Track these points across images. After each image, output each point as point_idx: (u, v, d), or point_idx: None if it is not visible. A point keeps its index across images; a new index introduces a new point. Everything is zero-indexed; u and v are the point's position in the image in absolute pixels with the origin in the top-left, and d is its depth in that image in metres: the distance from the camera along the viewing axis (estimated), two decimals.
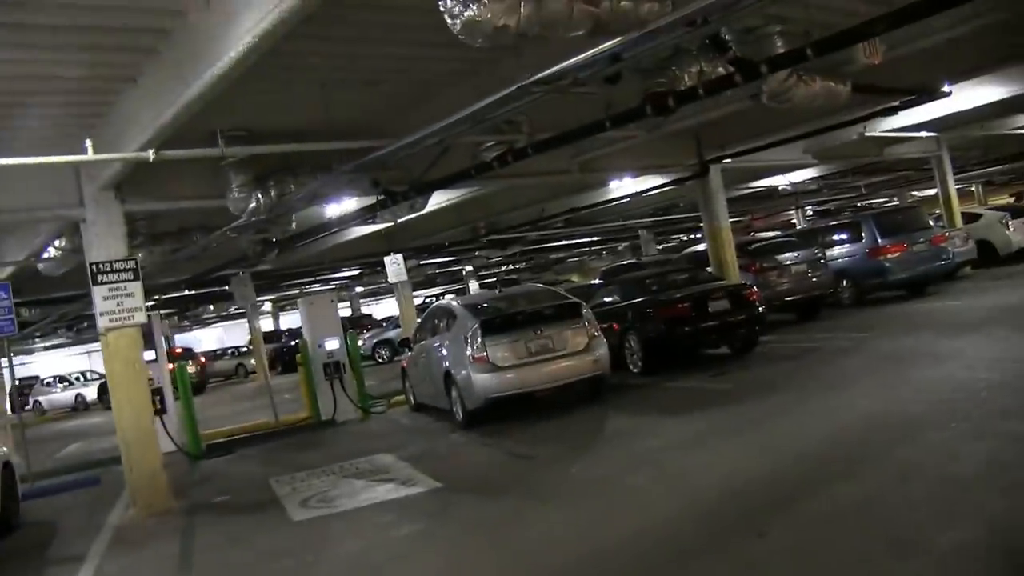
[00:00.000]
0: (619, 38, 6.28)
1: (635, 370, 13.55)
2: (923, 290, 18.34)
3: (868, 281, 17.97)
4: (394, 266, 17.61)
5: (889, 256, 17.69)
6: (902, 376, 9.52)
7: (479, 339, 11.13)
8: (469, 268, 37.05)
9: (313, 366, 14.99)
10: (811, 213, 38.95)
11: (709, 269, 16.56)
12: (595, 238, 33.65)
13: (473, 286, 38.31)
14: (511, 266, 45.06)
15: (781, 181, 25.09)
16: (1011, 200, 30.14)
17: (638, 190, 18.25)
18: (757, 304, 13.62)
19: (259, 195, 10.25)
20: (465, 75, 8.86)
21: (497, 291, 14.41)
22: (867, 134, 15.86)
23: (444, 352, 12.01)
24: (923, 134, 17.02)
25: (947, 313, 14.54)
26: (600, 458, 8.45)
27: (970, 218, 22.76)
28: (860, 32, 6.33)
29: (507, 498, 7.60)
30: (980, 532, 4.73)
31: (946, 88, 12.37)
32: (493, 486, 8.17)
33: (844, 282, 18.32)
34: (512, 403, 11.21)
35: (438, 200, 16.64)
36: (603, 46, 6.45)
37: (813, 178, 25.57)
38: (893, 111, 12.90)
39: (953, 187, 22.56)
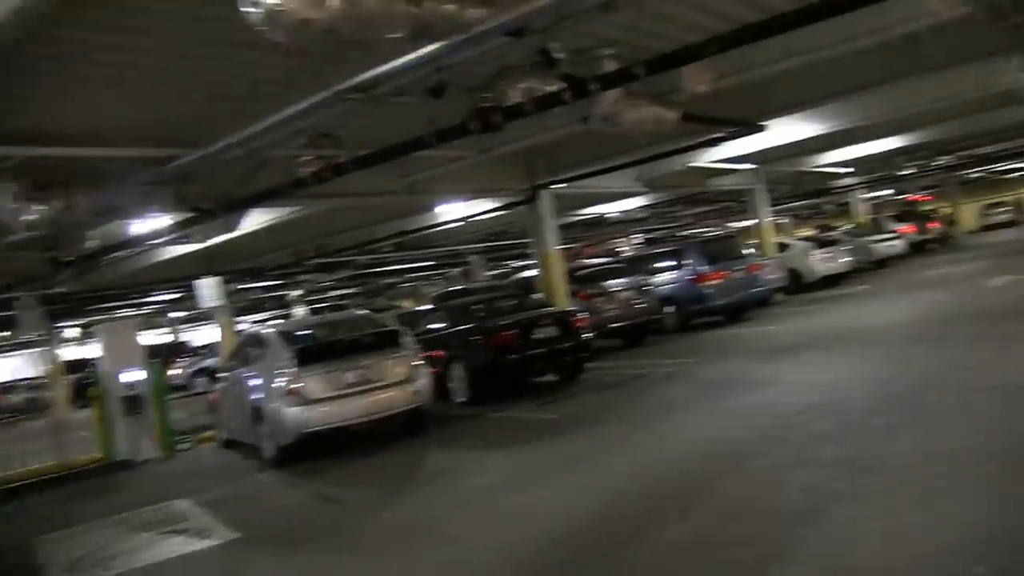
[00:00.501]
0: (439, 43, 5.87)
1: (461, 400, 13.11)
2: (740, 316, 19.02)
3: (691, 307, 18.41)
4: (207, 290, 16.51)
5: (711, 283, 18.19)
6: (725, 403, 9.56)
7: (292, 370, 10.42)
8: (297, 293, 35.79)
9: (111, 400, 13.69)
10: (639, 240, 40.12)
11: (538, 295, 16.45)
12: (427, 263, 33.19)
13: (300, 312, 37.06)
14: (342, 291, 43.99)
15: (611, 209, 25.53)
16: (815, 232, 31.92)
17: (468, 214, 17.96)
18: (584, 331, 13.52)
19: (39, 206, 9.05)
20: (291, 84, 8.19)
21: (316, 317, 13.71)
22: (692, 164, 16.18)
23: (254, 384, 11.19)
24: (743, 166, 17.61)
25: (763, 338, 14.96)
26: (418, 501, 7.89)
27: (781, 247, 23.88)
28: (691, 52, 6.22)
29: (311, 550, 6.90)
30: (808, 571, 4.56)
31: (762, 123, 12.69)
32: (297, 535, 7.41)
33: (668, 308, 18.69)
34: (328, 438, 10.53)
35: (258, 220, 15.83)
36: (422, 51, 6.03)
37: (642, 207, 26.13)
38: (717, 142, 13.15)
39: (768, 217, 23.54)
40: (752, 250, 23.15)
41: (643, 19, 7.93)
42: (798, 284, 22.96)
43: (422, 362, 11.24)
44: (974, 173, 38.21)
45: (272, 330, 12.12)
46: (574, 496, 6.98)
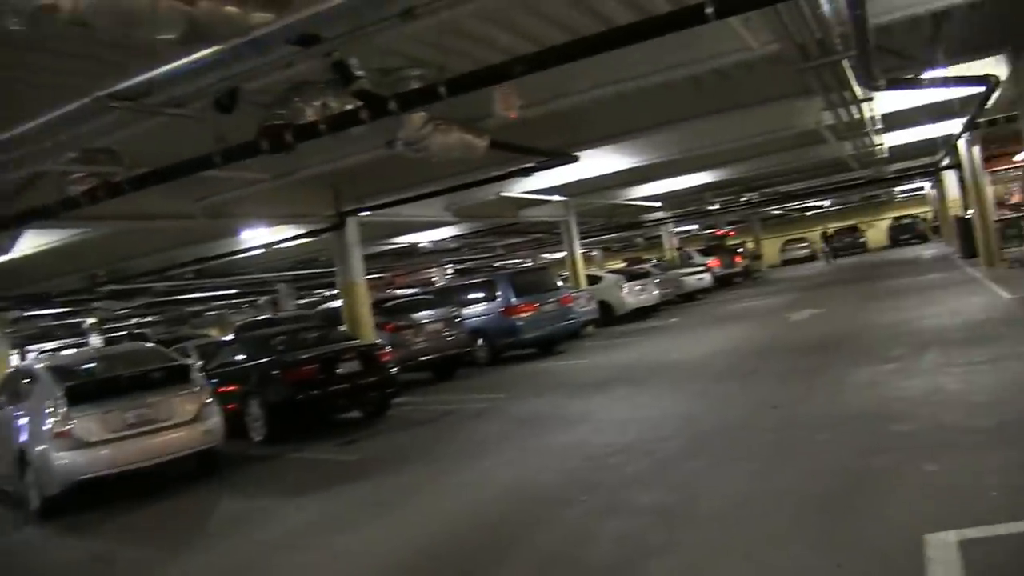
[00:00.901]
0: (217, 47, 5.14)
1: (258, 438, 12.13)
2: (552, 348, 18.89)
3: (502, 340, 18.09)
4: None
5: (522, 315, 17.94)
6: (536, 441, 9.16)
7: (63, 409, 9.21)
8: (91, 320, 33.16)
9: None
10: (451, 271, 39.86)
11: (343, 327, 15.63)
12: (233, 291, 31.52)
13: (95, 341, 34.41)
14: (143, 319, 41.26)
15: (422, 238, 25.04)
16: (625, 265, 32.73)
17: (271, 241, 16.96)
18: (389, 366, 12.86)
19: None
20: (58, 89, 7.12)
21: (95, 350, 12.37)
22: (504, 194, 15.90)
23: (20, 424, 9.79)
24: (555, 198, 17.55)
25: (574, 372, 14.80)
26: (198, 559, 6.96)
27: (592, 280, 24.12)
28: (496, 72, 5.77)
29: None
30: None
31: (574, 153, 12.55)
32: None
33: (480, 341, 18.32)
34: (108, 485, 9.37)
35: (36, 242, 14.23)
36: (197, 55, 5.26)
37: (454, 236, 25.82)
38: (528, 172, 12.88)
39: (579, 250, 23.72)
40: (563, 282, 23.31)
41: (450, 38, 7.46)
42: (609, 316, 23.23)
43: (212, 399, 10.25)
44: (776, 210, 40.50)
45: (42, 364, 10.75)
46: (374, 552, 6.27)
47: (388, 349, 13.14)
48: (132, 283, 22.42)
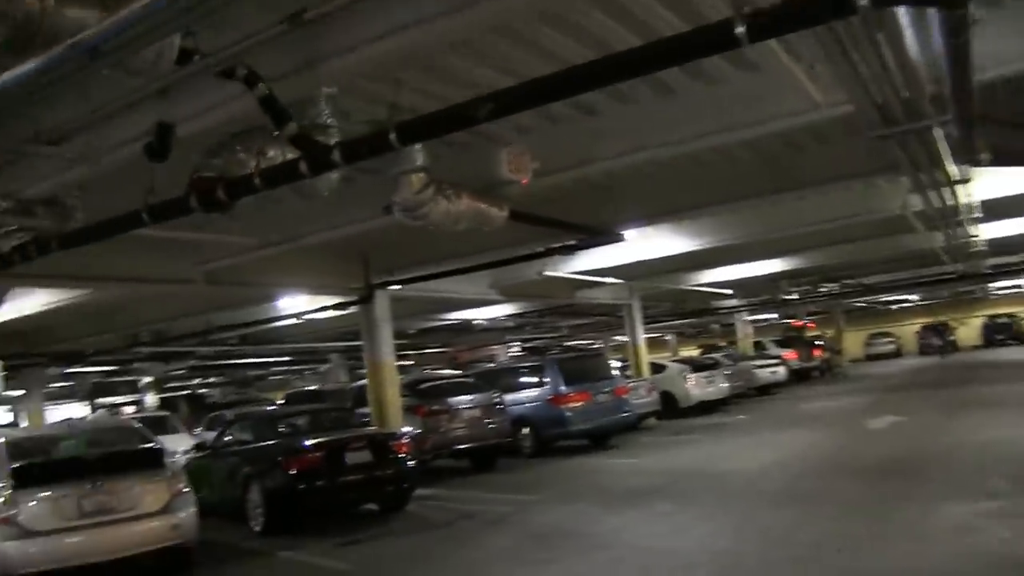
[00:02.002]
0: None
1: (257, 528, 10.87)
2: (606, 442, 17.31)
3: (549, 430, 16.59)
4: None
5: (571, 405, 16.45)
6: (542, 572, 7.62)
7: (8, 492, 8.09)
8: (147, 379, 32.75)
9: None
10: (516, 349, 38.51)
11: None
12: (286, 358, 30.66)
13: (151, 400, 34.01)
14: (203, 379, 40.92)
15: (476, 315, 23.83)
16: (700, 352, 30.88)
17: (300, 311, 15.94)
18: (406, 458, 11.50)
19: None
20: None
21: (56, 426, 11.33)
22: (548, 274, 14.57)
23: None
24: (610, 280, 16.13)
25: (619, 475, 13.22)
26: None
27: (656, 369, 22.48)
28: (460, 113, 4.48)
29: None
30: None
31: (618, 231, 11.19)
32: None
33: (525, 429, 16.85)
34: None
35: (48, 300, 13.46)
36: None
37: (510, 315, 24.52)
38: (571, 250, 11.53)
39: (642, 336, 22.16)
40: (619, 369, 21.77)
41: (417, 74, 6.25)
42: (673, 408, 21.51)
43: (187, 489, 8.99)
44: (860, 302, 38.07)
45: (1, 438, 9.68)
46: None
47: (405, 440, 11.74)
48: (174, 345, 21.63)
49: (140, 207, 6.11)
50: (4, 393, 13.74)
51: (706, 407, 22.02)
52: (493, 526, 10.17)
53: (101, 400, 42.37)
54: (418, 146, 7.12)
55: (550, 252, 11.61)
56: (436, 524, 10.66)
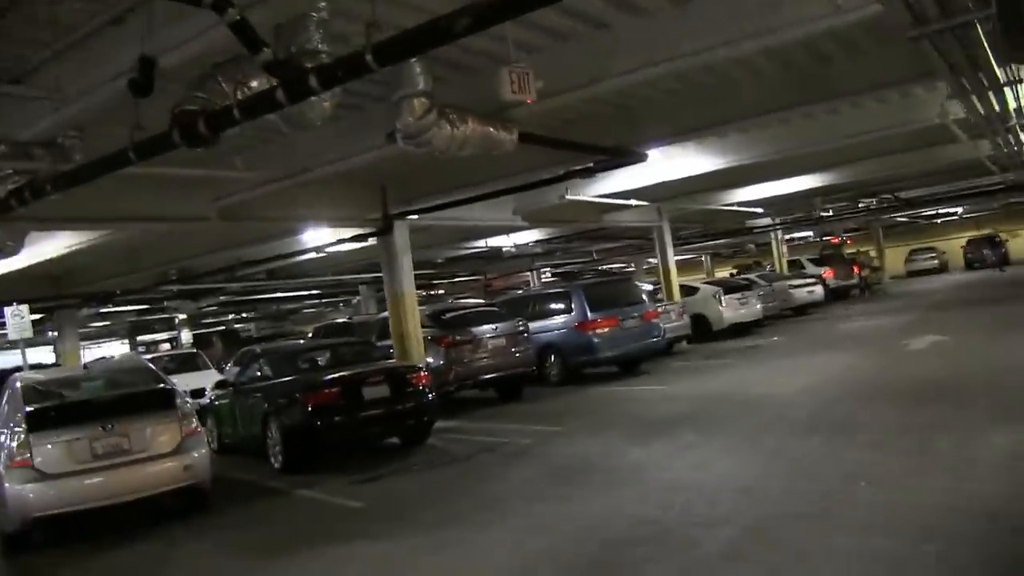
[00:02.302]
0: None
1: (276, 466, 10.79)
2: (636, 368, 17.02)
3: (576, 358, 16.31)
4: (17, 319, 13.82)
5: (598, 332, 16.12)
6: (557, 509, 7.34)
7: (22, 436, 8.00)
8: (182, 316, 32.86)
9: None
10: (548, 275, 38.15)
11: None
12: (315, 291, 30.52)
13: (186, 337, 34.24)
14: (237, 315, 41.14)
15: (504, 243, 23.41)
16: (733, 273, 30.29)
17: (320, 244, 15.66)
18: (425, 391, 11.24)
19: None
20: None
21: (69, 369, 11.20)
22: (571, 198, 14.07)
23: None
24: (634, 202, 15.57)
25: (647, 403, 12.89)
26: None
27: (688, 291, 22.01)
28: (436, 29, 4.00)
29: None
30: None
31: (643, 151, 10.66)
32: None
33: (552, 357, 16.59)
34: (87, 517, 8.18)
35: (68, 243, 13.26)
36: None
37: (537, 241, 24.07)
38: (590, 173, 11.00)
39: (672, 259, 21.63)
40: (651, 293, 21.37)
41: None
42: (705, 331, 21.12)
43: (199, 429, 8.87)
44: (900, 217, 37.00)
45: (19, 381, 9.55)
46: None
47: (424, 373, 11.46)
48: (203, 282, 21.50)
49: (127, 146, 5.73)
50: (20, 337, 13.51)
51: (740, 330, 21.63)
52: (514, 459, 9.94)
53: (141, 338, 42.99)
54: (418, 69, 6.72)
55: (569, 175, 11.10)
56: (456, 458, 10.47)
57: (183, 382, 14.13)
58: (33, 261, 14.13)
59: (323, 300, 37.50)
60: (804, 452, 8.14)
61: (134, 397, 8.86)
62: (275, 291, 28.03)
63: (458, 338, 14.51)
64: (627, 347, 16.50)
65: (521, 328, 15.42)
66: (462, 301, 23.74)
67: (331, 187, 12.60)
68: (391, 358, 12.33)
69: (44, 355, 27.85)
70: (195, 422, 8.84)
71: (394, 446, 11.51)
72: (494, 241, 22.96)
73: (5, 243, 11.03)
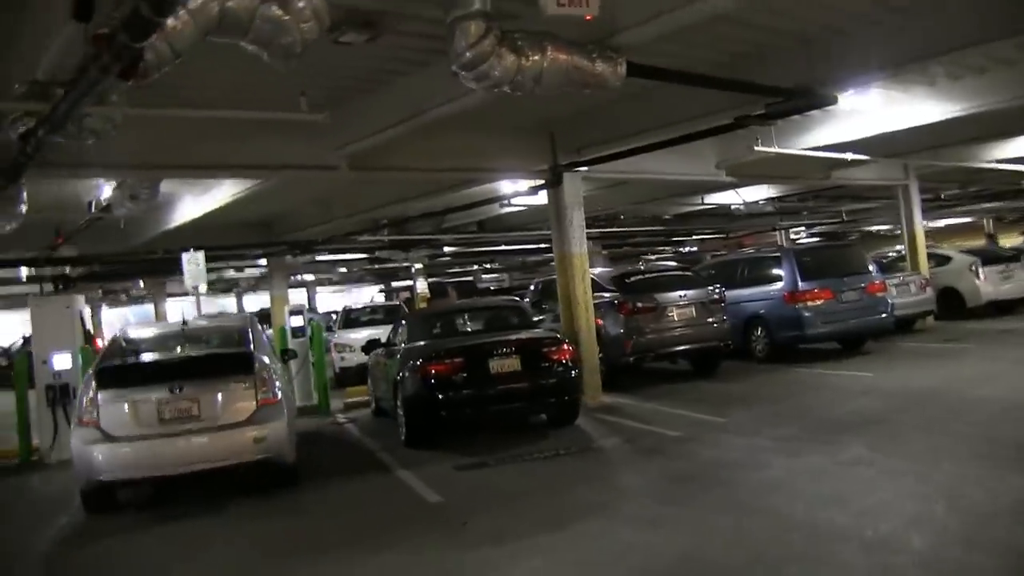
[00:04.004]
0: None
1: (401, 438, 10.09)
2: (860, 346, 14.83)
3: (783, 332, 14.35)
4: (193, 267, 14.01)
5: (809, 304, 14.07)
6: (638, 537, 5.88)
7: (91, 393, 7.70)
8: (418, 266, 33.40)
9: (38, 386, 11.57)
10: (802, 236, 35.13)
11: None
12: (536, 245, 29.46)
13: (421, 285, 34.88)
14: (480, 266, 41.34)
15: (735, 200, 21.33)
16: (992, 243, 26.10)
17: (490, 197, 14.76)
18: (570, 366, 9.96)
19: None
20: None
21: (163, 325, 10.93)
22: (761, 149, 12.00)
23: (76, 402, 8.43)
24: (848, 155, 13.02)
25: (842, 394, 10.88)
26: None
27: (939, 261, 18.94)
28: None
29: None
30: None
31: (833, 93, 8.64)
32: None
33: (759, 330, 14.72)
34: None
35: (232, 191, 13.19)
36: None
37: (770, 199, 21.72)
38: (767, 119, 9.06)
39: (920, 223, 18.60)
40: (894, 260, 18.63)
41: None
42: (959, 308, 18.10)
43: (279, 398, 8.11)
44: None
45: (120, 332, 9.35)
46: None
47: (568, 346, 10.14)
48: (411, 234, 21.29)
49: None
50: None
51: (1002, 308, 18.32)
52: (644, 456, 8.63)
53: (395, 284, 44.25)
54: None
55: (741, 122, 9.24)
56: (582, 447, 9.18)
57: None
58: (208, 209, 14.19)
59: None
60: (1004, 491, 6.03)
61: (210, 359, 8.37)
62: (495, 244, 27.39)
63: (640, 305, 13.06)
64: (844, 324, 14.26)
65: (716, 296, 13.71)
66: (656, 263, 22.05)
67: (497, 133, 11.56)
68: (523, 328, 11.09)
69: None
70: (276, 390, 8.09)
71: (537, 425, 10.41)
72: (717, 198, 20.96)
73: (140, 191, 11.01)
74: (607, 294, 13.47)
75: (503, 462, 8.68)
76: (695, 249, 37.27)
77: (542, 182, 12.38)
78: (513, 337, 10.11)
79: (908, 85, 10.93)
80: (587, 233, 12.68)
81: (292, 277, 37.74)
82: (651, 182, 16.35)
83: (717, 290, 13.82)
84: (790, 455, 7.72)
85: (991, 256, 19.01)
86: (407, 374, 9.83)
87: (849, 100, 11.41)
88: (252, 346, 8.69)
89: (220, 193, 13.32)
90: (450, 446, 9.57)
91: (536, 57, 5.94)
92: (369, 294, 47.73)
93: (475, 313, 11.63)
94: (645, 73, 6.71)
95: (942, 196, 24.57)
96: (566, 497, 7.21)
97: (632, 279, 14.03)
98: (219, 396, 7.78)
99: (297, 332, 14.29)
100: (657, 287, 13.61)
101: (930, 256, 18.93)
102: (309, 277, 40.01)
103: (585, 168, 11.94)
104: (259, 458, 7.82)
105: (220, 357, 8.39)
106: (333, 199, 16.96)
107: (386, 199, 15.67)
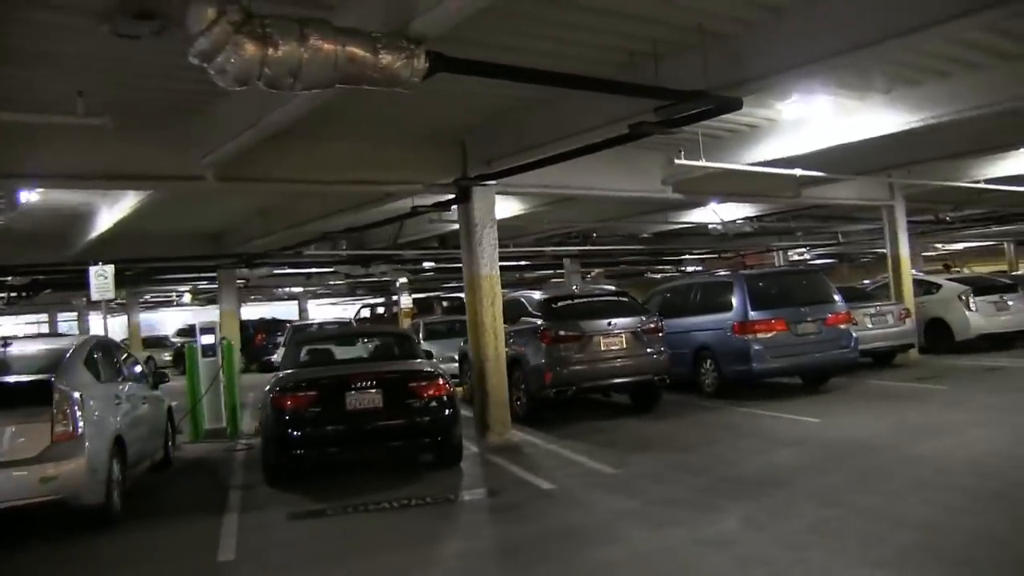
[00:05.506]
0: None
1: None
2: (823, 383, 13.69)
3: (731, 367, 13.09)
4: (100, 279, 13.10)
5: (759, 336, 12.80)
6: None
7: None
8: (402, 280, 32.73)
9: None
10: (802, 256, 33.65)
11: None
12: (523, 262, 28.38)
13: (406, 300, 34.32)
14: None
15: (712, 218, 20.11)
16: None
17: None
18: (445, 402, 8.80)
19: None
20: None
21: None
22: (681, 162, 10.75)
23: None
24: (796, 171, 11.53)
25: (771, 444, 9.50)
26: None
27: (927, 289, 17.58)
28: None
29: None
30: None
31: (732, 95, 7.43)
32: None
33: (707, 363, 13.48)
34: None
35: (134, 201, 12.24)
36: None
37: (747, 218, 20.46)
38: (662, 127, 7.83)
39: (905, 247, 17.21)
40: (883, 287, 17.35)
41: None
42: (947, 340, 16.72)
43: (80, 433, 7.02)
44: None
45: None
46: None
47: (442, 381, 8.97)
48: (369, 249, 20.40)
49: None
50: (101, 297, 12.69)
51: (998, 341, 16.85)
52: (494, 516, 7.58)
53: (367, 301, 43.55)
54: None
55: (636, 132, 8.02)
56: (440, 498, 7.92)
57: None
58: (115, 220, 13.22)
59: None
60: None
61: (8, 386, 7.30)
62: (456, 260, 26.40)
63: (562, 333, 11.87)
64: (798, 359, 13.00)
65: (652, 325, 12.45)
66: (591, 287, 20.85)
67: (391, 144, 10.51)
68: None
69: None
70: (77, 424, 7.01)
71: (423, 464, 9.31)
72: (693, 216, 19.77)
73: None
74: (533, 320, 12.34)
75: (345, 511, 7.57)
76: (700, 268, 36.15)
77: (451, 196, 11.23)
78: (376, 370, 8.94)
79: (863, 92, 9.71)
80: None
81: (281, 289, 37.03)
82: (600, 198, 15.07)
83: (654, 319, 12.59)
84: (652, 527, 6.52)
85: (985, 285, 17.57)
86: (264, 405, 8.80)
87: (794, 108, 10.35)
88: (70, 373, 7.63)
89: (125, 203, 12.33)
90: (311, 486, 8.59)
91: (288, 47, 4.80)
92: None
93: (354, 341, 10.51)
94: (458, 68, 5.56)
95: (947, 218, 23.11)
96: (367, 563, 6.12)
97: (560, 304, 12.77)
98: (6, 430, 6.75)
99: (207, 351, 13.26)
100: (585, 314, 12.36)
101: (917, 284, 17.56)
102: (298, 289, 39.41)
103: (494, 182, 10.77)
104: (49, 499, 6.77)
105: (12, 387, 7.33)
106: (272, 210, 15.98)
107: (316, 213, 14.61)
